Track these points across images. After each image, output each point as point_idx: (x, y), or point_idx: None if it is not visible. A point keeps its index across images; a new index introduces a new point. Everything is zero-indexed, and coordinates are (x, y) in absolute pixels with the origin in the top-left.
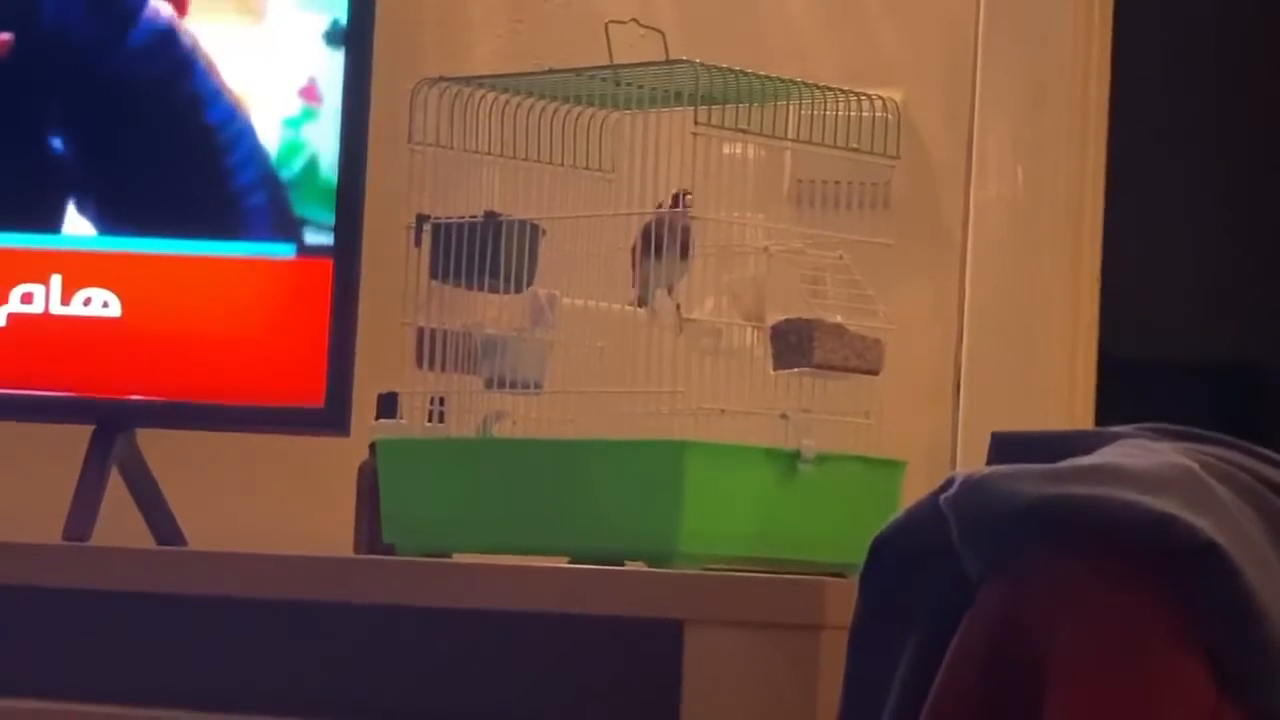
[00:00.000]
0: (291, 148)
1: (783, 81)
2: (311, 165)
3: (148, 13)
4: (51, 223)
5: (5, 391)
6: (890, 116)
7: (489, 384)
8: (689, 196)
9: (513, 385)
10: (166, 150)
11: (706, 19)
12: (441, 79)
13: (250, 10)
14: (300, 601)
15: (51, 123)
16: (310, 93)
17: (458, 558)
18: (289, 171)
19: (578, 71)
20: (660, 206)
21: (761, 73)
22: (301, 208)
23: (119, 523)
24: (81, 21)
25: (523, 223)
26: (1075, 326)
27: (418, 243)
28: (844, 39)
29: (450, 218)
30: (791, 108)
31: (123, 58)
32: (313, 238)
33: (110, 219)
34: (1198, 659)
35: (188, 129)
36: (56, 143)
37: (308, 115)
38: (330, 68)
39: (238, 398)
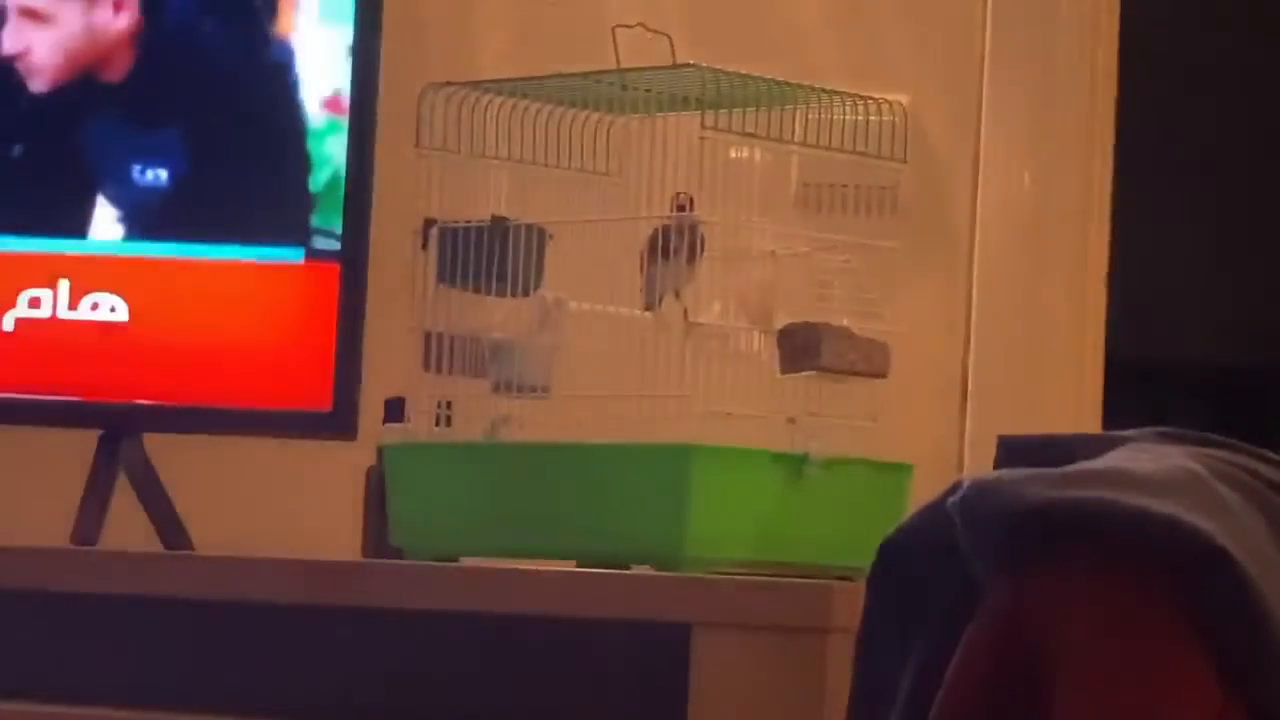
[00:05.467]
0: (319, 158)
1: (790, 85)
2: (336, 173)
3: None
4: (60, 227)
5: (13, 396)
6: (897, 120)
7: (496, 388)
8: (692, 200)
9: (520, 389)
10: (244, 158)
11: (713, 23)
12: (448, 84)
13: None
14: (308, 606)
15: (102, 129)
16: (335, 104)
17: (465, 561)
18: (316, 181)
19: (584, 75)
20: (669, 210)
21: (768, 76)
22: (317, 214)
23: (126, 527)
24: (206, 25)
25: (530, 227)
26: (1082, 330)
27: (425, 247)
28: (851, 43)
29: (457, 222)
30: (799, 111)
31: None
32: (321, 242)
33: (150, 226)
34: (1204, 663)
35: (274, 137)
36: (99, 148)
37: (332, 127)
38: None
39: (245, 402)
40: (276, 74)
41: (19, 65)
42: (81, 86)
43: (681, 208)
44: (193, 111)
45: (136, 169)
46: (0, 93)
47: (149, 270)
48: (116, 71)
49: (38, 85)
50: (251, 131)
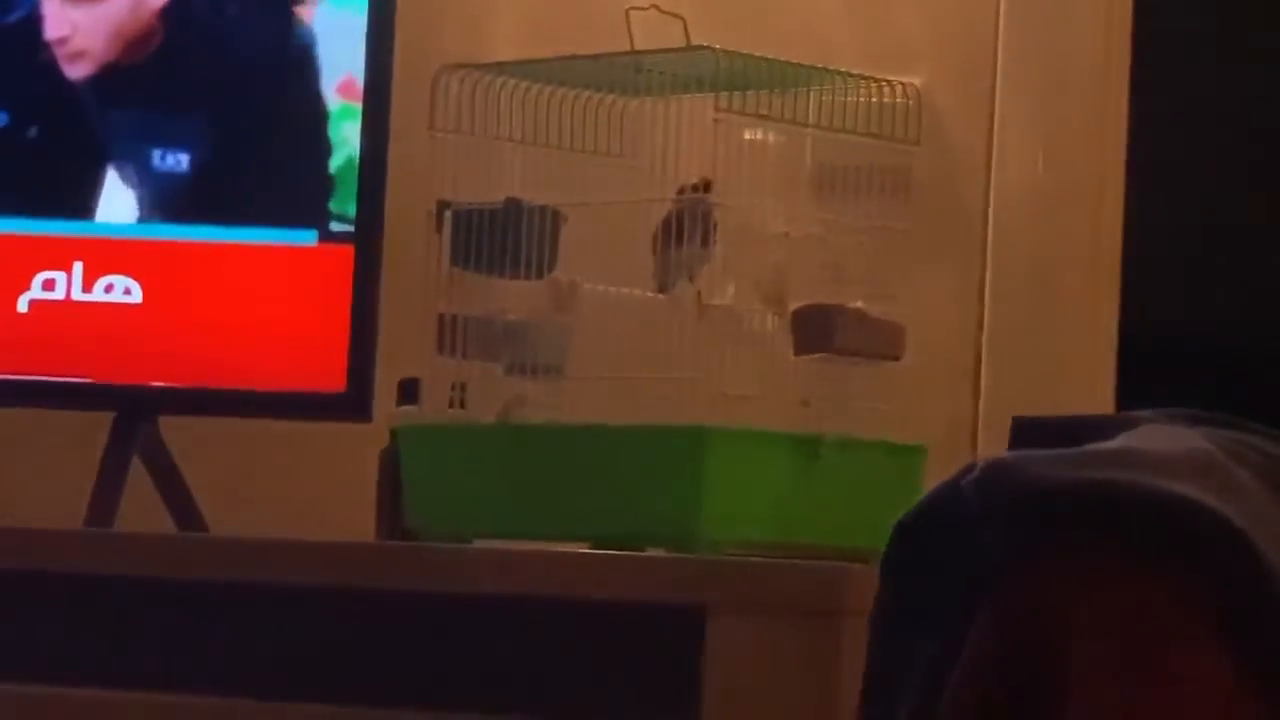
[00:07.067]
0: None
1: (803, 67)
2: (350, 156)
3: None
4: (74, 209)
5: (28, 378)
6: (911, 102)
7: (510, 370)
8: (710, 184)
9: (534, 371)
10: (265, 141)
11: (727, 5)
12: (462, 66)
13: None
14: (322, 588)
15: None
16: (349, 88)
17: (479, 543)
18: (334, 165)
19: (598, 58)
20: (682, 193)
21: (782, 58)
22: (333, 197)
23: (141, 509)
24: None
25: (544, 209)
26: (1096, 311)
27: (439, 229)
28: (865, 24)
29: (472, 204)
30: (812, 93)
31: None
32: (335, 224)
33: (165, 208)
34: (1217, 644)
35: (295, 120)
36: (111, 130)
37: (347, 112)
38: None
39: (259, 384)
40: (299, 57)
41: (60, 50)
42: (104, 67)
43: (695, 189)
44: (215, 94)
45: (156, 152)
46: (23, 72)
47: (163, 252)
48: (142, 52)
49: (78, 71)
50: (273, 115)
